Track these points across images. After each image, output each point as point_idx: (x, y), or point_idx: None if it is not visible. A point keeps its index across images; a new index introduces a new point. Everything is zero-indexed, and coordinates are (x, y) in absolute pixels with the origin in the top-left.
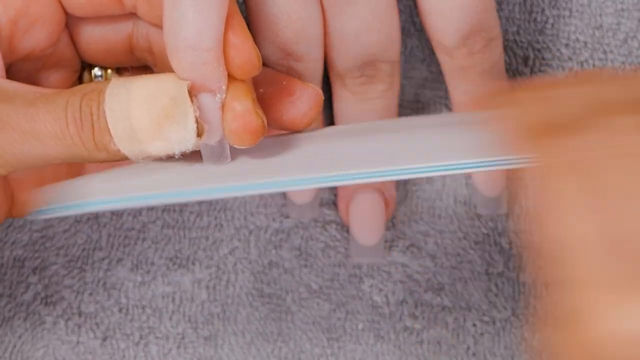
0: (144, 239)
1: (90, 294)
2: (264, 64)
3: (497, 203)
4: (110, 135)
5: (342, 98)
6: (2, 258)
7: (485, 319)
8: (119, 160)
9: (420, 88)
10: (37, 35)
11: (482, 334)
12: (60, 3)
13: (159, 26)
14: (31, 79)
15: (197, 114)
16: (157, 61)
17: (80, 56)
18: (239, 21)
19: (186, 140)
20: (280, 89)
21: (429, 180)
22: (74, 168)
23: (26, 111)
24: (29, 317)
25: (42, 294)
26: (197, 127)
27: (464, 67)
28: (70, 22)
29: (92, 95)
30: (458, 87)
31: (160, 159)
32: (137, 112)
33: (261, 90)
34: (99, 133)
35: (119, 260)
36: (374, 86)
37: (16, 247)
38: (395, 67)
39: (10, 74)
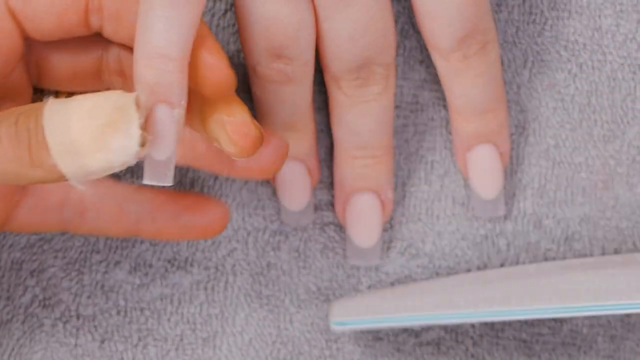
0: (141, 241)
1: (89, 297)
2: (254, 68)
3: (494, 206)
4: (48, 150)
5: (338, 101)
6: (0, 261)
7: None
8: (54, 181)
9: (419, 89)
10: None
11: (480, 335)
12: (22, 31)
13: (127, 45)
14: None
15: (142, 124)
16: (128, 83)
17: (40, 82)
18: (214, 42)
19: (128, 148)
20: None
21: (427, 181)
22: (11, 201)
23: None
24: (27, 319)
25: (40, 297)
26: (141, 136)
27: (459, 70)
28: (34, 49)
29: (30, 112)
30: (454, 90)
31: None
32: (78, 124)
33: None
34: (35, 148)
35: (117, 262)
36: (369, 88)
37: (14, 249)
38: (391, 69)
39: None
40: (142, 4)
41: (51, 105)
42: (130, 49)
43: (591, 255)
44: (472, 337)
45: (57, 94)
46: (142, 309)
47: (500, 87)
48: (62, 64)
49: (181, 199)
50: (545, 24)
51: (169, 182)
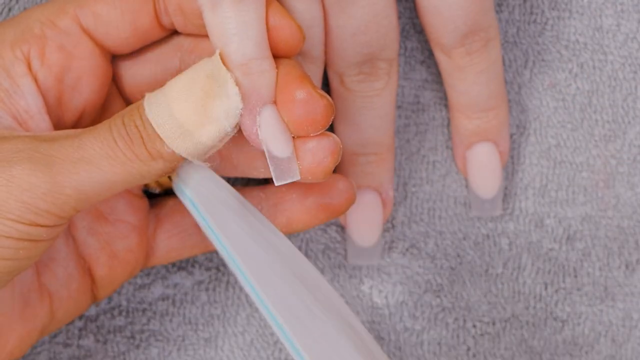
0: None
1: None
2: None
3: (492, 205)
4: (161, 139)
5: (340, 95)
6: None
7: (485, 319)
8: (177, 166)
9: (420, 89)
10: (85, 91)
11: (482, 334)
12: (102, 48)
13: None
14: None
15: (235, 78)
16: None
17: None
18: (276, 5)
19: (233, 109)
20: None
21: (429, 181)
22: (146, 234)
23: (72, 143)
24: None
25: None
26: (239, 92)
27: (461, 67)
28: None
29: (132, 111)
30: (455, 87)
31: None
32: (178, 106)
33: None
34: (149, 141)
35: None
36: (371, 84)
37: None
38: (393, 65)
39: None
40: (209, 14)
41: (149, 98)
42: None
43: (595, 254)
44: (473, 337)
45: None
46: (144, 310)
47: (502, 85)
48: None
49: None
50: (546, 23)
51: (297, 176)
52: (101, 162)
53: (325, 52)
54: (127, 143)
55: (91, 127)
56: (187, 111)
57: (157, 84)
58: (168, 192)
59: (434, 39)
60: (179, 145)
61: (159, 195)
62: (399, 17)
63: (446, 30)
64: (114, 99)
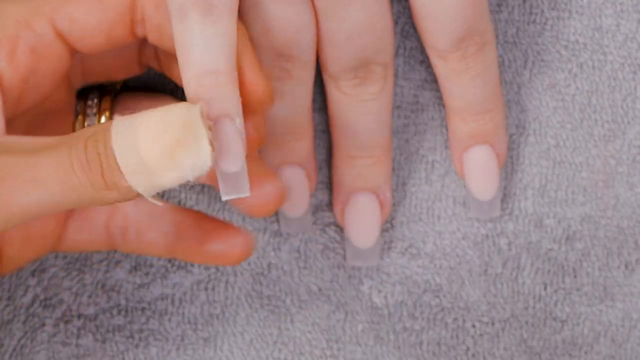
0: None
1: (90, 296)
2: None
3: (490, 207)
4: (121, 173)
5: (336, 100)
6: None
7: (485, 319)
8: (129, 199)
9: (419, 89)
10: (45, 89)
11: (481, 334)
12: (71, 49)
13: (170, 52)
14: (29, 128)
15: (210, 136)
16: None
17: (85, 78)
18: (252, 56)
19: (201, 164)
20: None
21: (428, 181)
22: (61, 221)
23: (27, 160)
24: (28, 319)
25: (41, 297)
26: (211, 150)
27: (457, 71)
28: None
29: (97, 136)
30: (451, 90)
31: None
32: (147, 145)
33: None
34: (108, 172)
35: (118, 262)
36: (367, 88)
37: None
38: (389, 69)
39: (9, 126)
40: (177, 24)
41: (117, 126)
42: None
43: (594, 254)
44: (472, 337)
45: (99, 100)
46: (143, 309)
47: (498, 88)
48: (105, 60)
49: (205, 223)
50: (545, 23)
51: (246, 192)
52: (54, 186)
53: (319, 56)
54: (85, 170)
55: (50, 143)
56: (154, 153)
57: (118, 67)
58: None
59: (429, 43)
60: (137, 181)
61: None
62: (398, 18)
63: (441, 35)
64: (64, 89)
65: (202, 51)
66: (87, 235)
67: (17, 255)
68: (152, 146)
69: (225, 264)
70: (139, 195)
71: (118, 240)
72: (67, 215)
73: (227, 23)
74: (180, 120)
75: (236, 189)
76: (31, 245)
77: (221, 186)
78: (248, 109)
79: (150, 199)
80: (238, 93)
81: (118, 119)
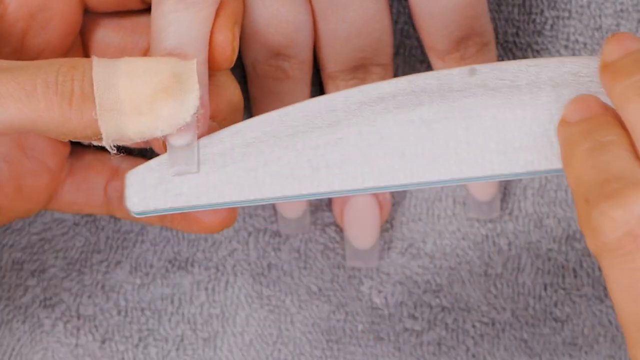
0: (142, 241)
1: (89, 297)
2: (253, 66)
3: (489, 207)
4: (94, 103)
5: None
6: (0, 261)
7: (485, 320)
8: (86, 138)
9: None
10: (52, 34)
11: (481, 335)
12: (83, 4)
13: None
14: None
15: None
16: None
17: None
18: (224, 20)
19: (178, 118)
20: None
21: None
22: (56, 178)
23: None
24: (28, 319)
25: (41, 297)
26: (196, 109)
27: None
28: None
29: (76, 64)
30: None
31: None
32: (127, 85)
33: None
34: (79, 99)
35: (118, 262)
36: None
37: (15, 249)
38: (387, 69)
39: None
40: (154, 9)
41: (99, 60)
42: None
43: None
44: (472, 337)
45: None
46: (142, 309)
47: None
48: None
49: None
50: (545, 23)
51: (194, 169)
52: (10, 104)
53: (318, 56)
54: (48, 92)
55: (17, 66)
56: (132, 94)
57: (122, 53)
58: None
59: (428, 45)
60: (105, 118)
61: (82, 145)
62: (398, 18)
63: (440, 36)
64: (76, 51)
65: (171, 35)
66: (84, 195)
67: (7, 207)
68: (132, 88)
69: (211, 231)
70: (99, 136)
71: (114, 205)
72: (67, 175)
73: (203, 8)
74: (171, 69)
75: (185, 164)
76: (23, 197)
77: (170, 158)
78: (210, 68)
79: (107, 146)
80: (205, 78)
81: (99, 58)
